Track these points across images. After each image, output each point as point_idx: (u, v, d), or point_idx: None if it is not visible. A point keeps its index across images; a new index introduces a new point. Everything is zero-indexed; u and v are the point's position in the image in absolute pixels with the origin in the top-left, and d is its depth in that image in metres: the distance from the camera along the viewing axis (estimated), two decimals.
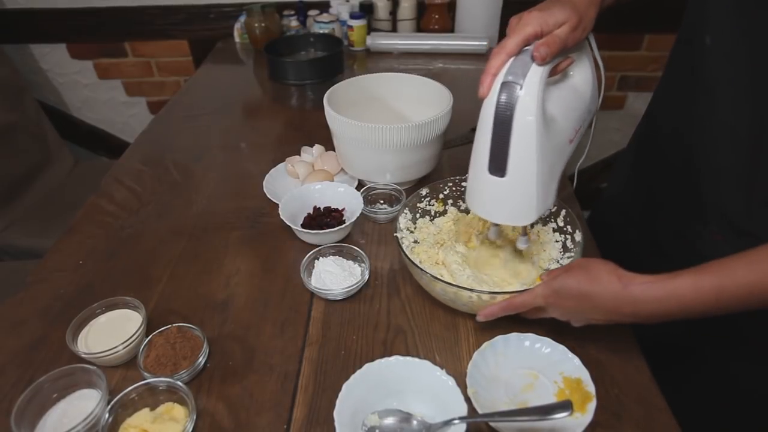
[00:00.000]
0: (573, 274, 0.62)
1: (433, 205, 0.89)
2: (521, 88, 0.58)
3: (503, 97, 0.58)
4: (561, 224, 0.83)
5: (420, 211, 0.88)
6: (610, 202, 1.00)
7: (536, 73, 0.58)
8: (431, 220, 0.89)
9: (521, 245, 0.75)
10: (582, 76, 0.67)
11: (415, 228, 0.87)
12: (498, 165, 0.61)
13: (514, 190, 0.63)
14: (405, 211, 0.85)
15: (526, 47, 0.59)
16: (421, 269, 0.71)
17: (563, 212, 0.82)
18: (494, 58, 0.60)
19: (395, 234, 0.78)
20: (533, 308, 0.66)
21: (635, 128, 0.95)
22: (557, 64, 0.64)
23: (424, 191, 0.88)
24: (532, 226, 0.83)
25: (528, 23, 0.59)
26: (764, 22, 0.60)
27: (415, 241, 0.85)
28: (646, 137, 0.91)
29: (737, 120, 0.66)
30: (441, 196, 0.90)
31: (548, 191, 0.65)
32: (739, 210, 0.69)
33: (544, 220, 0.85)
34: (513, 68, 0.58)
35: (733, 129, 0.67)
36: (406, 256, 0.73)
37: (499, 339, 0.69)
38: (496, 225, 0.75)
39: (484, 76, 0.60)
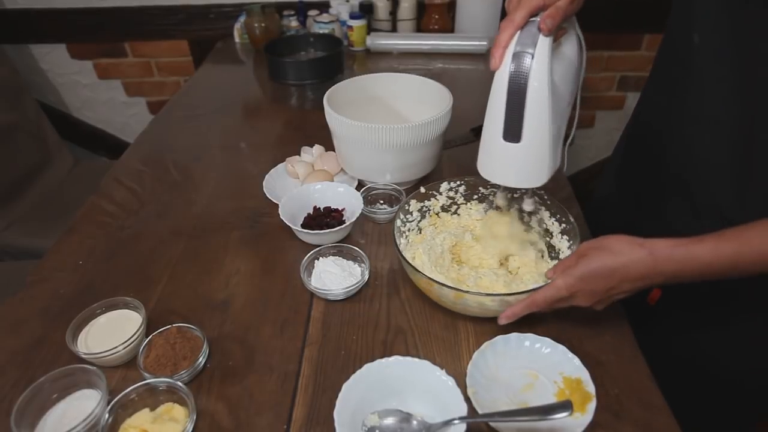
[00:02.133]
0: (594, 256, 0.63)
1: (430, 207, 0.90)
2: (532, 58, 0.61)
3: (516, 67, 0.61)
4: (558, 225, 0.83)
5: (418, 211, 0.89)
6: (602, 200, 1.01)
7: (545, 43, 0.61)
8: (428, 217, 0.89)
9: (528, 207, 0.78)
10: (570, 46, 0.71)
11: (412, 229, 0.87)
12: (513, 132, 0.64)
13: (528, 155, 0.66)
14: (402, 213, 0.85)
15: (531, 19, 0.62)
16: (423, 273, 0.71)
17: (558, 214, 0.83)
18: (504, 32, 0.62)
19: (395, 242, 0.78)
20: (555, 300, 0.66)
21: (624, 127, 0.96)
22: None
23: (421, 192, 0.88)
24: (538, 189, 0.83)
25: None
26: (751, 19, 0.61)
27: (412, 242, 0.85)
28: (635, 136, 0.91)
29: (726, 116, 0.67)
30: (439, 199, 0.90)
31: (556, 153, 0.69)
32: (731, 203, 0.70)
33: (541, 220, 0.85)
34: (522, 39, 0.61)
35: (722, 125, 0.68)
36: (407, 261, 0.73)
37: (499, 339, 0.69)
38: (504, 191, 0.79)
39: (495, 48, 0.62)
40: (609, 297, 0.65)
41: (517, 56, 0.61)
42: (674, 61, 0.76)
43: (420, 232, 0.88)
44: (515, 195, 0.81)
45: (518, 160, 0.67)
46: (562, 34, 0.69)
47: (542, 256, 0.82)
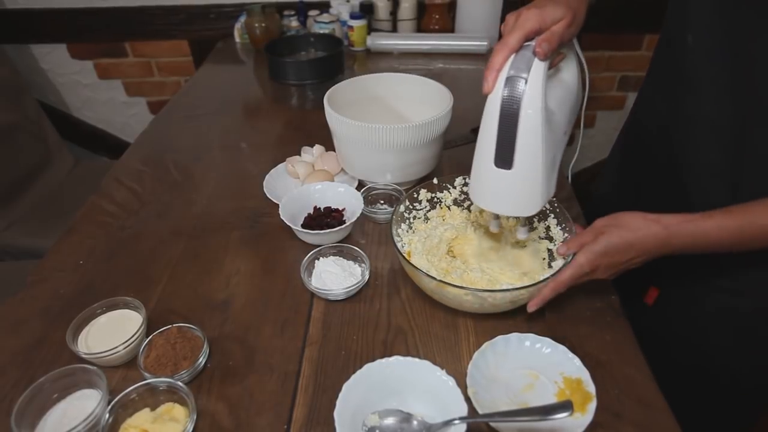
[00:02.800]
0: (612, 233, 0.66)
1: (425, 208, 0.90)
2: (526, 83, 0.59)
3: (509, 92, 0.60)
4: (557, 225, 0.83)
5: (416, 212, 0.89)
6: (600, 200, 1.01)
7: (539, 68, 0.59)
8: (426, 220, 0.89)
9: (521, 235, 0.76)
10: (570, 71, 0.70)
11: (412, 230, 0.87)
12: (505, 158, 0.63)
13: (520, 182, 0.65)
14: (400, 213, 0.85)
15: (527, 43, 0.60)
16: (427, 274, 0.71)
17: (557, 212, 0.83)
18: (497, 55, 0.61)
19: (394, 242, 0.78)
20: (579, 277, 0.68)
21: (621, 127, 0.96)
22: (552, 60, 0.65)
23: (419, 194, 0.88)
24: (531, 218, 0.84)
25: (528, 19, 0.60)
26: (744, 20, 0.62)
27: (411, 242, 0.85)
28: (632, 136, 0.92)
29: (720, 116, 0.68)
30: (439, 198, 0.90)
31: (550, 181, 0.68)
32: (726, 202, 0.70)
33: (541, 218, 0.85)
34: (516, 63, 0.60)
35: (716, 125, 0.69)
36: (408, 262, 0.73)
37: (499, 339, 0.69)
38: (497, 218, 0.77)
39: (488, 71, 0.61)
40: (625, 268, 0.68)
41: (510, 80, 0.59)
42: (669, 62, 0.77)
43: (426, 221, 0.89)
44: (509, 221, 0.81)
45: (510, 188, 0.65)
46: (560, 59, 0.68)
47: (545, 259, 0.82)
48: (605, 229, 0.67)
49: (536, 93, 0.59)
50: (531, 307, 0.69)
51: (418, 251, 0.81)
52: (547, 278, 0.68)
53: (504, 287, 0.71)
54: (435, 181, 0.89)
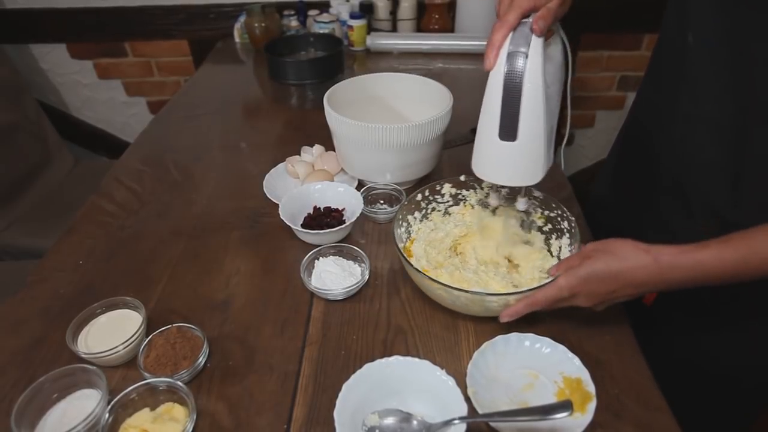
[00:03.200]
0: (598, 258, 0.63)
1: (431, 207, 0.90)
2: (526, 58, 0.61)
3: (510, 67, 0.62)
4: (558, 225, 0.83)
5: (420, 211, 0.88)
6: (599, 200, 1.01)
7: (538, 43, 0.62)
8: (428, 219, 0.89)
9: (521, 206, 0.78)
10: (556, 47, 0.72)
11: (412, 229, 0.87)
12: (509, 130, 0.65)
13: (524, 153, 0.67)
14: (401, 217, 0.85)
15: (524, 20, 0.63)
16: (425, 274, 0.71)
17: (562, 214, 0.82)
18: (497, 32, 0.63)
19: (396, 243, 0.78)
20: (556, 300, 0.66)
21: (621, 127, 0.96)
22: None
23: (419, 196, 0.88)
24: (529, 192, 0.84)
25: None
26: (745, 19, 0.62)
27: (412, 241, 0.85)
28: (631, 135, 0.92)
29: (721, 115, 0.68)
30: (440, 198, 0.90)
31: (549, 151, 0.70)
32: (726, 202, 0.70)
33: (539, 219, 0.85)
34: (516, 40, 0.62)
35: (717, 124, 0.69)
36: (410, 263, 0.73)
37: (499, 339, 0.69)
38: (497, 190, 0.80)
39: (489, 49, 0.63)
40: (610, 300, 0.65)
41: (511, 56, 0.62)
42: (669, 61, 0.77)
43: (446, 215, 0.90)
44: (508, 195, 0.82)
45: (514, 159, 0.68)
46: (549, 36, 0.70)
47: (548, 250, 0.82)
48: (593, 253, 0.64)
49: (536, 67, 0.62)
50: (503, 318, 0.69)
51: (420, 239, 0.83)
52: (526, 291, 0.67)
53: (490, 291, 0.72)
54: (462, 178, 0.88)
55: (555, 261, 0.80)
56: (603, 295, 0.65)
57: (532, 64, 0.61)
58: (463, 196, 0.90)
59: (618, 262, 0.62)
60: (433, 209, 0.89)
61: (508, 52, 0.62)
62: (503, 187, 0.80)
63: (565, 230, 0.81)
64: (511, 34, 0.63)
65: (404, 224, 0.85)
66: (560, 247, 0.81)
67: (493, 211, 0.86)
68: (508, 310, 0.68)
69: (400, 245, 0.77)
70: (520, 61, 0.62)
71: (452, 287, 0.68)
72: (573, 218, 0.78)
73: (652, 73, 0.83)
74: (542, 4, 0.62)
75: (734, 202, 0.69)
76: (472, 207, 0.90)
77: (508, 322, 0.69)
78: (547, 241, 0.83)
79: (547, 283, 0.66)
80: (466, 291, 0.68)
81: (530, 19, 0.62)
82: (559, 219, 0.82)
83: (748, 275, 0.58)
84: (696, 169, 0.74)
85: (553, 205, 0.82)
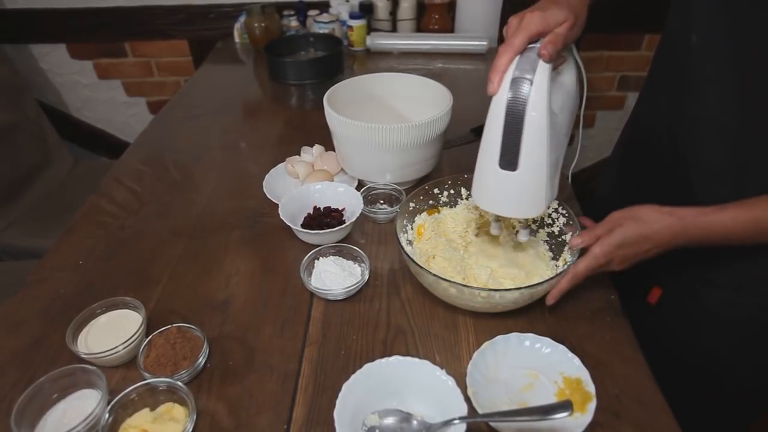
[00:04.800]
0: (628, 225, 0.67)
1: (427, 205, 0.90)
2: (531, 84, 0.59)
3: (514, 93, 0.60)
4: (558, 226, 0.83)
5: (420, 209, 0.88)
6: (602, 200, 1.01)
7: (544, 70, 0.59)
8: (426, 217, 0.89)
9: (523, 238, 0.77)
10: (569, 74, 0.70)
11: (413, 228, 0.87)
12: (510, 159, 0.63)
13: (525, 184, 0.65)
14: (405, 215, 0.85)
15: (531, 45, 0.61)
16: (429, 271, 0.71)
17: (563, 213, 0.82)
18: (502, 56, 0.61)
19: (397, 237, 0.78)
20: (594, 268, 0.69)
21: (623, 127, 0.96)
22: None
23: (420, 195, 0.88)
24: (534, 220, 0.84)
25: (531, 21, 0.60)
26: (749, 19, 0.62)
27: (413, 240, 0.85)
28: (634, 136, 0.91)
29: (724, 115, 0.68)
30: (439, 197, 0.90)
31: (554, 183, 0.68)
32: (731, 201, 0.69)
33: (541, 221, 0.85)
34: (521, 65, 0.60)
35: (720, 124, 0.69)
36: (412, 259, 0.73)
37: (499, 339, 0.69)
38: (498, 220, 0.77)
39: (493, 73, 0.61)
40: (639, 260, 0.69)
41: (515, 82, 0.60)
42: (673, 61, 0.77)
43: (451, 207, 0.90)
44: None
45: (514, 189, 0.65)
46: (561, 62, 0.68)
47: (550, 256, 0.82)
48: (621, 221, 0.67)
49: (541, 94, 0.59)
50: (550, 300, 0.71)
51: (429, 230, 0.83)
52: (562, 272, 0.69)
53: (503, 287, 0.72)
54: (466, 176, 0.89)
55: (557, 263, 0.80)
56: (634, 256, 0.68)
57: (537, 91, 0.59)
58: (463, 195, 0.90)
59: (647, 226, 0.66)
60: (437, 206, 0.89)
61: (512, 78, 0.60)
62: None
63: (564, 225, 0.81)
64: (517, 59, 0.60)
65: (408, 223, 0.85)
66: (551, 232, 0.81)
67: (490, 239, 0.84)
68: (553, 291, 0.70)
69: (403, 241, 0.77)
70: (524, 88, 0.59)
71: (460, 284, 0.68)
72: (570, 211, 0.79)
73: (655, 74, 0.83)
74: (552, 27, 0.61)
75: None
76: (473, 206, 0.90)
77: (511, 321, 0.69)
78: (550, 249, 0.83)
79: (583, 256, 0.69)
80: (467, 287, 0.68)
81: (538, 44, 0.60)
82: (559, 217, 0.82)
83: (761, 235, 0.63)
84: (700, 169, 0.74)
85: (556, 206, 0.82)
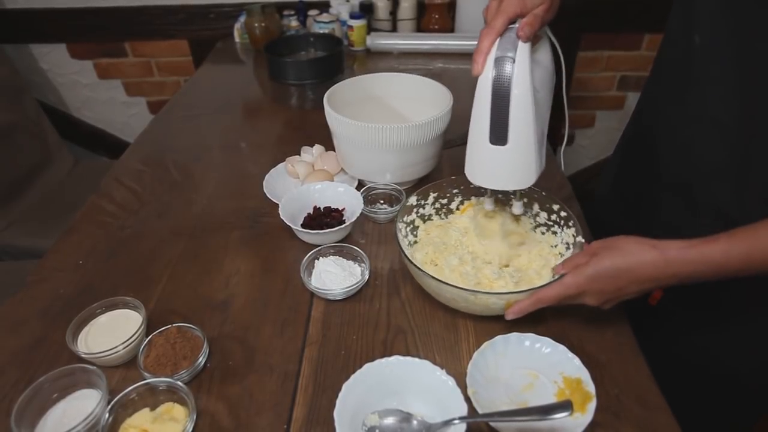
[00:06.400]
0: (605, 256, 0.63)
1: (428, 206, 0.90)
2: (513, 62, 0.63)
3: (498, 72, 0.63)
4: (559, 224, 0.83)
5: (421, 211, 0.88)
6: (602, 199, 1.01)
7: (525, 49, 0.63)
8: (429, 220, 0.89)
9: (517, 210, 0.79)
10: (545, 53, 0.73)
11: (414, 228, 0.87)
12: (499, 135, 0.66)
13: (515, 157, 0.68)
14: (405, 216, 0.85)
15: (510, 26, 0.64)
16: (425, 272, 0.71)
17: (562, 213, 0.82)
18: (484, 38, 0.64)
19: (396, 234, 0.78)
20: (563, 298, 0.66)
21: (624, 127, 0.96)
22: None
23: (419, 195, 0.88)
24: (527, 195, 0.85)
25: (510, 4, 0.64)
26: (752, 19, 0.61)
27: (414, 242, 0.85)
28: (635, 135, 0.91)
29: (726, 116, 0.68)
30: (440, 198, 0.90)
31: (541, 154, 0.71)
32: (731, 203, 0.70)
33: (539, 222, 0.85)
34: (503, 45, 0.64)
35: (722, 124, 0.68)
36: (410, 260, 0.73)
37: (499, 339, 0.69)
38: (491, 196, 0.80)
39: (477, 54, 0.64)
40: (618, 297, 0.65)
41: (498, 61, 0.63)
42: (674, 61, 0.76)
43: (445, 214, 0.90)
44: (503, 199, 0.82)
45: (506, 163, 0.68)
46: (536, 41, 0.71)
47: (553, 246, 0.82)
48: (599, 251, 0.64)
49: (524, 71, 0.63)
50: (508, 315, 0.69)
51: (431, 234, 0.84)
52: (529, 290, 0.67)
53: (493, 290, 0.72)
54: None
55: (557, 257, 0.80)
56: (611, 293, 0.64)
57: (520, 69, 0.63)
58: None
59: (625, 259, 0.61)
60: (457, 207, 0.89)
61: (495, 57, 0.63)
62: (498, 192, 0.79)
63: (563, 222, 0.81)
64: (498, 40, 0.64)
65: (407, 226, 0.85)
66: (559, 243, 0.81)
67: (485, 216, 0.84)
68: (513, 307, 0.68)
69: (404, 243, 0.77)
70: (507, 66, 0.63)
71: (456, 286, 0.68)
72: (571, 213, 0.79)
73: (657, 74, 0.83)
74: (529, 9, 0.63)
75: (740, 203, 0.69)
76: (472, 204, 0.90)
77: (511, 320, 0.69)
78: (548, 231, 0.84)
79: (553, 281, 0.66)
80: (462, 288, 0.68)
81: (516, 25, 0.63)
82: (558, 214, 0.82)
83: (754, 269, 0.58)
84: (702, 170, 0.73)
85: (554, 205, 0.82)
